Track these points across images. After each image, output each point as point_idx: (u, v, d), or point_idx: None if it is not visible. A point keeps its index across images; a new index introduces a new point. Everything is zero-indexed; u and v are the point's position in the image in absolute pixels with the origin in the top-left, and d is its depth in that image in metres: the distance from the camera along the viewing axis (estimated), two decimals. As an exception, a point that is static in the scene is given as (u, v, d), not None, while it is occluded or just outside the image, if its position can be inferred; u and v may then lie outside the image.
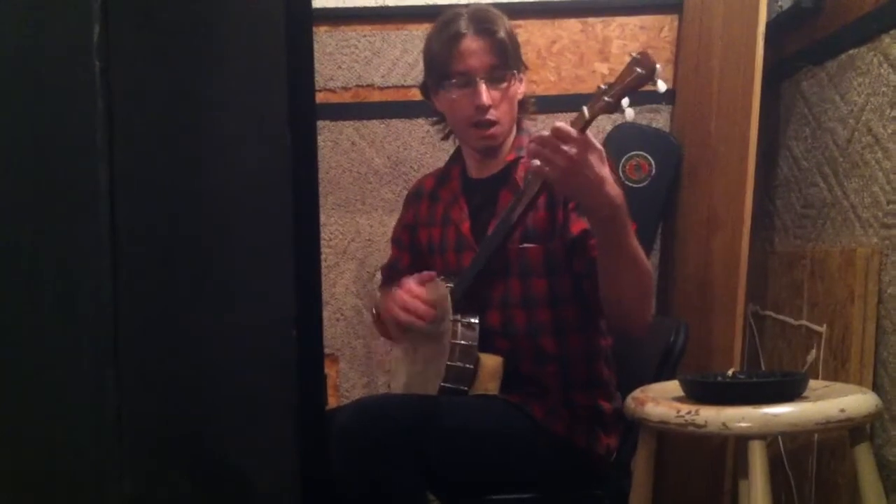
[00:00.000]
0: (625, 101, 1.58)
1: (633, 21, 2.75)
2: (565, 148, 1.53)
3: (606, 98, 1.59)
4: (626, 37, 2.75)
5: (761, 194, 2.38)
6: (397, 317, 1.88)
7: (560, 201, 1.84)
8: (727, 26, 2.39)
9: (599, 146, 1.57)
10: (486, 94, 1.86)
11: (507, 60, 1.89)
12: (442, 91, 1.94)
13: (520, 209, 1.79)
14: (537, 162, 1.75)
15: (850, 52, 2.01)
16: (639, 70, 1.57)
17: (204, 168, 0.95)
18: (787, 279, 2.24)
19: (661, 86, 1.58)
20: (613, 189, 1.60)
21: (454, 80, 1.89)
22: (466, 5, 1.95)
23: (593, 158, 1.55)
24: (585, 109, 1.59)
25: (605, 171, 1.57)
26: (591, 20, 2.75)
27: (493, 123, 1.90)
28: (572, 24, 2.75)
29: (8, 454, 0.93)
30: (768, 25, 2.16)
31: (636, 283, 1.72)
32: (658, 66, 1.57)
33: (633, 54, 1.60)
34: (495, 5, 2.00)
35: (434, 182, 2.14)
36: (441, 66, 1.91)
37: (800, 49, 2.25)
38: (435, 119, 2.10)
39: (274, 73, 0.94)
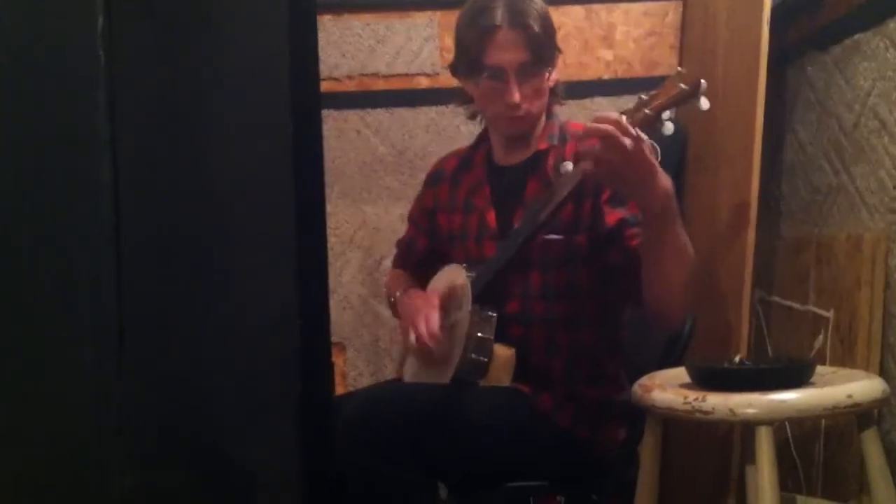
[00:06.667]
0: (665, 115, 1.55)
1: (637, 7, 2.73)
2: (622, 140, 1.49)
3: (646, 110, 1.56)
4: (630, 23, 2.74)
5: (767, 180, 2.37)
6: (410, 330, 1.89)
7: (589, 194, 1.82)
8: (732, 12, 2.38)
9: (646, 137, 1.54)
10: (517, 92, 1.83)
11: (541, 56, 1.85)
12: (472, 80, 1.91)
13: (547, 211, 1.77)
14: (569, 167, 1.73)
15: (856, 36, 2.00)
16: (682, 86, 1.53)
17: (207, 159, 0.95)
18: (793, 265, 2.24)
19: (705, 103, 1.53)
20: (665, 179, 1.58)
21: (485, 74, 1.86)
22: None
23: (646, 150, 1.53)
24: (624, 120, 1.57)
25: (655, 163, 1.55)
26: (595, 6, 2.74)
27: (522, 116, 1.88)
28: (576, 11, 2.74)
29: (10, 448, 0.94)
30: (773, 10, 2.15)
31: (682, 272, 1.70)
32: (703, 82, 1.52)
33: (679, 69, 1.56)
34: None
35: (456, 164, 2.11)
36: (473, 56, 1.86)
37: (805, 34, 2.24)
38: (460, 101, 2.06)
39: (277, 63, 0.94)
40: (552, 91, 1.95)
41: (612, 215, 1.79)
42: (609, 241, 1.80)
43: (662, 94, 1.56)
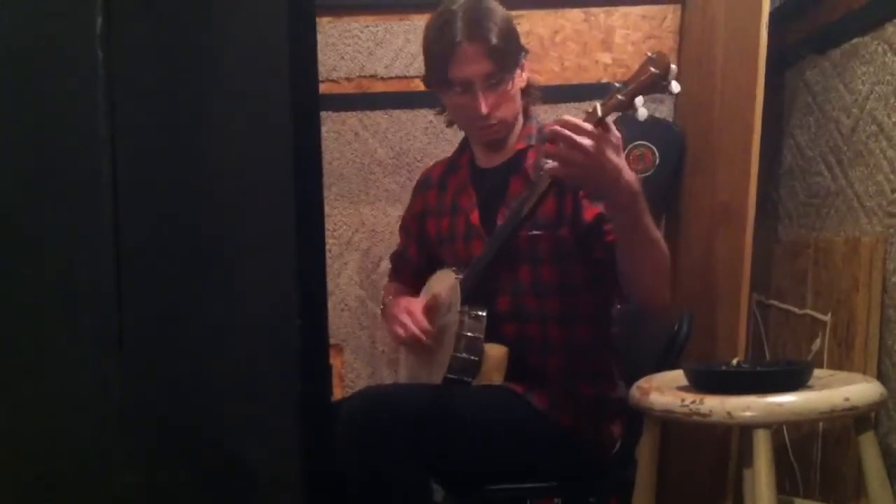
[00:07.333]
0: (638, 100, 1.57)
1: (636, 10, 2.74)
2: (581, 141, 1.52)
3: (619, 96, 1.58)
4: (628, 26, 2.74)
5: (765, 183, 2.37)
6: (396, 333, 1.94)
7: (569, 189, 1.84)
8: (730, 15, 2.38)
9: (617, 133, 1.57)
10: (484, 103, 1.86)
11: (503, 64, 1.87)
12: (443, 93, 1.94)
13: (529, 205, 1.78)
14: (550, 163, 1.75)
15: (854, 40, 2.01)
16: (653, 70, 1.56)
17: (206, 159, 0.95)
18: (791, 268, 2.24)
19: (675, 87, 1.57)
20: (630, 176, 1.60)
21: (454, 88, 1.89)
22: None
23: (609, 150, 1.55)
24: (598, 107, 1.58)
25: (621, 160, 1.57)
26: (593, 10, 2.74)
27: (494, 125, 1.90)
28: (575, 14, 2.74)
29: (11, 448, 0.94)
30: (771, 14, 2.15)
31: (654, 265, 1.73)
32: (673, 66, 1.56)
33: (649, 53, 1.59)
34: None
35: (442, 170, 2.14)
36: (439, 72, 1.90)
37: (803, 38, 2.25)
38: (440, 108, 2.09)
39: (276, 64, 0.94)
40: (525, 92, 1.97)
41: (591, 210, 1.82)
42: (589, 235, 1.82)
43: (633, 79, 1.59)
